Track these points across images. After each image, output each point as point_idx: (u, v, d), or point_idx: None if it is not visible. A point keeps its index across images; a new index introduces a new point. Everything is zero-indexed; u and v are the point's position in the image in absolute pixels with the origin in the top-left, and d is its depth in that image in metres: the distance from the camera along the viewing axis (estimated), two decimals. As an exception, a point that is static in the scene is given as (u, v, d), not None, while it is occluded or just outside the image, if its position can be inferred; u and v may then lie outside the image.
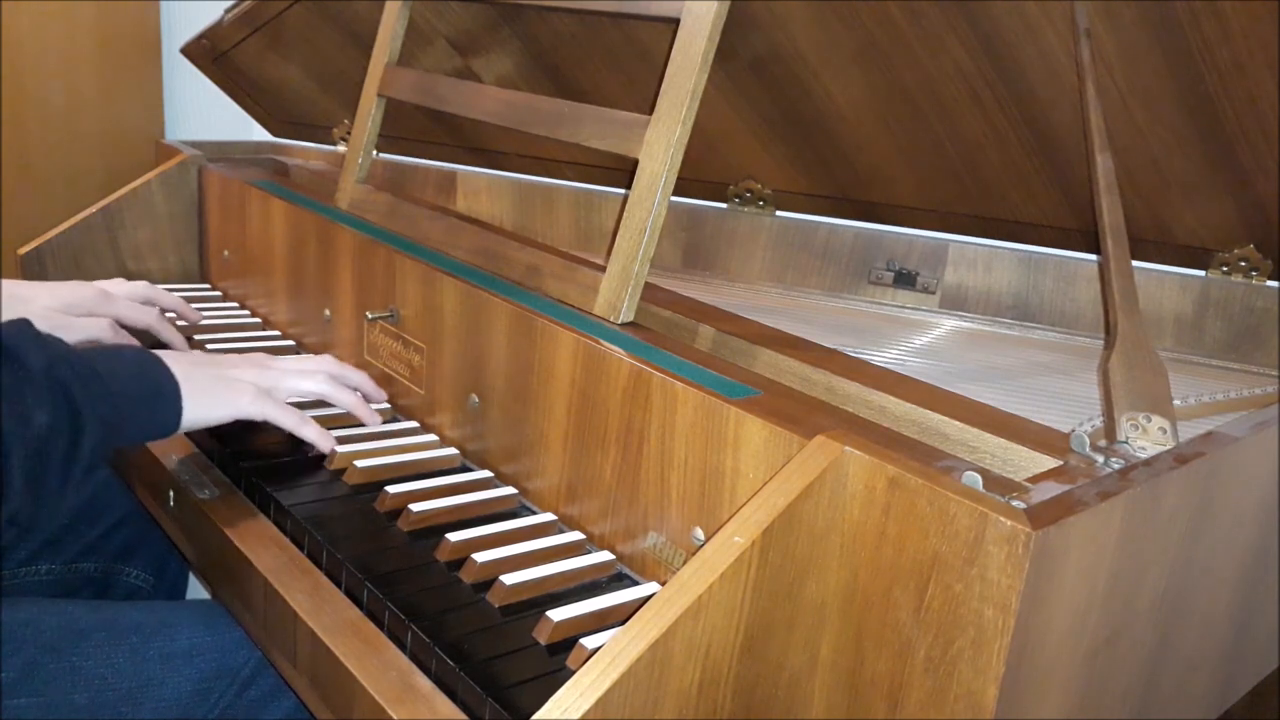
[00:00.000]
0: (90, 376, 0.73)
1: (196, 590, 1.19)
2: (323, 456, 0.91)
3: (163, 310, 1.10)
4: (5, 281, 1.02)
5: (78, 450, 0.71)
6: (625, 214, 0.87)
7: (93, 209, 1.35)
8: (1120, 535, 0.59)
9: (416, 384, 0.99)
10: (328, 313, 1.13)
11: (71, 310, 1.02)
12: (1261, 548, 0.78)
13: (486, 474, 0.90)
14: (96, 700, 0.82)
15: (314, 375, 0.91)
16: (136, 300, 1.07)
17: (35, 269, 1.32)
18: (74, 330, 1.00)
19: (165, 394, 0.80)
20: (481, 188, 1.48)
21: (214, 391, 0.83)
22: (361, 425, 0.95)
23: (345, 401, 0.93)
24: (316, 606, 0.73)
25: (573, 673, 0.52)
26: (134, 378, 0.78)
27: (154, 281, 1.39)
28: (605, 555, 0.78)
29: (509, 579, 0.72)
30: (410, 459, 0.91)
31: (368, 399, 0.96)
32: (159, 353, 0.82)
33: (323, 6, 1.38)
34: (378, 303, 1.03)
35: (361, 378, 0.97)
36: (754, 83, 1.15)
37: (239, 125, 1.83)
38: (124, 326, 1.06)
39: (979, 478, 0.58)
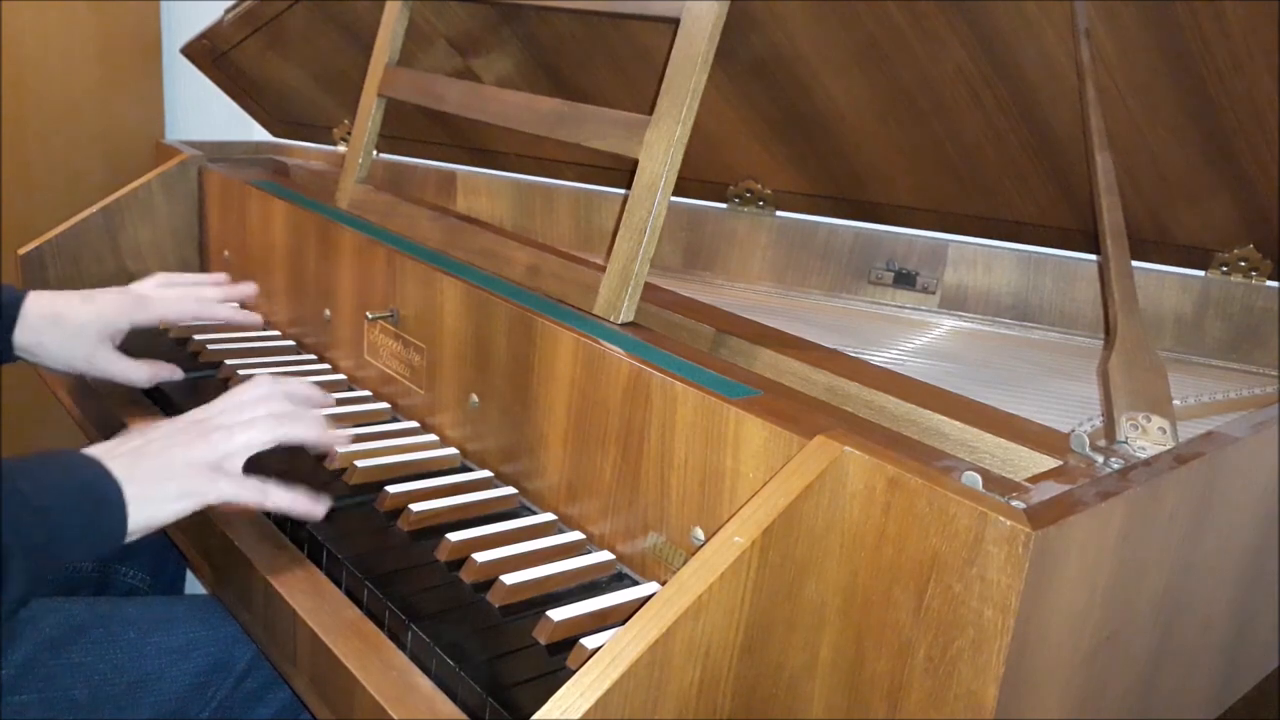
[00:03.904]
0: (13, 502, 0.63)
1: (193, 589, 1.19)
2: (323, 457, 0.90)
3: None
4: (48, 294, 0.98)
5: (1, 586, 0.61)
6: (625, 214, 0.87)
7: (93, 209, 1.35)
8: (1120, 535, 0.59)
9: (416, 384, 0.99)
10: (328, 313, 1.13)
11: (112, 325, 0.99)
12: (1261, 548, 0.78)
13: (486, 474, 0.90)
14: (96, 696, 0.82)
15: (260, 422, 0.77)
16: (160, 286, 1.05)
17: (35, 269, 1.32)
18: (115, 367, 0.99)
19: (105, 503, 0.68)
20: (481, 188, 1.48)
21: (163, 486, 0.70)
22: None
23: (303, 436, 0.79)
24: (316, 606, 0.73)
25: (573, 673, 0.52)
26: (65, 489, 0.67)
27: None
28: (605, 555, 0.78)
29: (509, 579, 0.72)
30: (410, 459, 0.91)
31: (316, 405, 0.84)
32: (94, 451, 0.71)
33: (323, 6, 1.38)
34: (378, 303, 1.03)
35: (305, 388, 0.83)
36: (754, 83, 1.15)
37: (239, 125, 1.83)
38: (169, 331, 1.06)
39: (979, 478, 0.58)
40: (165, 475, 0.71)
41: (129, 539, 0.69)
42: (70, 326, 0.98)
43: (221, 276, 1.11)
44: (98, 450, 0.71)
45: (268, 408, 0.78)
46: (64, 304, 0.99)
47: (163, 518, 0.71)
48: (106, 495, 0.68)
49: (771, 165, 1.26)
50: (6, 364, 0.99)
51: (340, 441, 0.84)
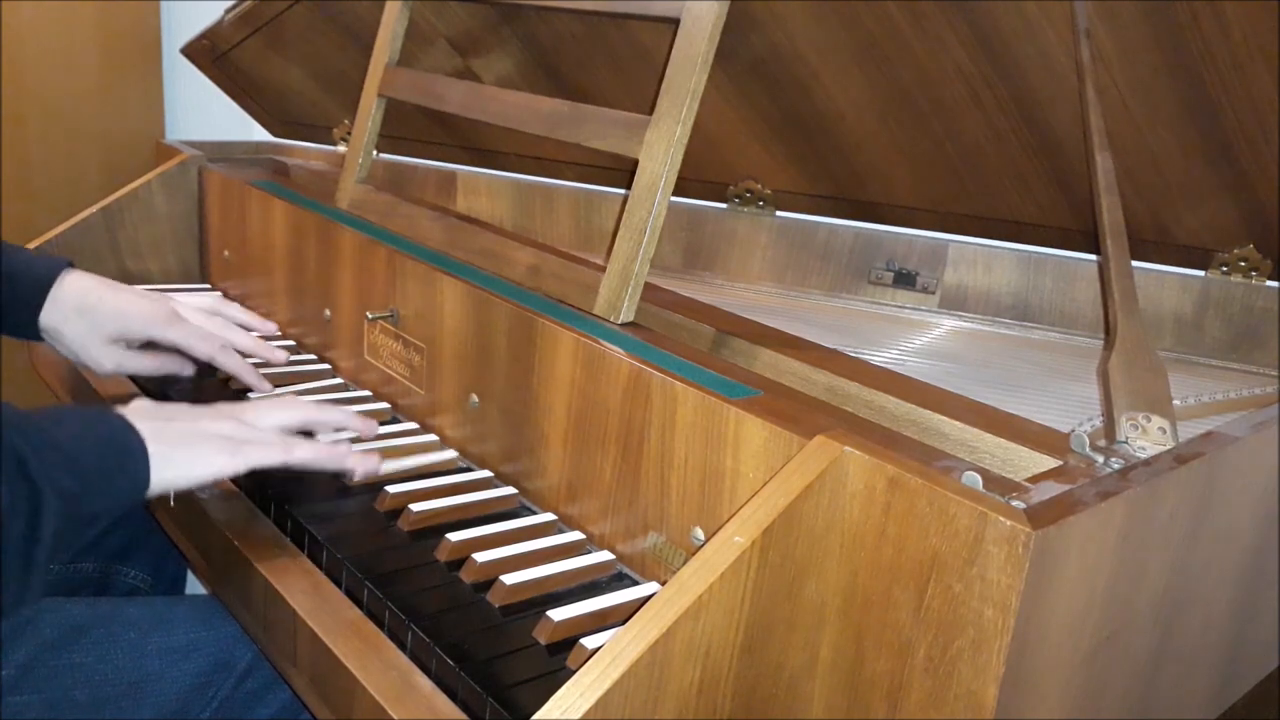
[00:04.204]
0: (47, 445, 0.66)
1: (194, 589, 1.19)
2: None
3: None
4: (85, 279, 0.96)
5: (38, 530, 0.64)
6: (625, 214, 0.87)
7: (93, 209, 1.35)
8: (1120, 535, 0.59)
9: (416, 384, 0.99)
10: (328, 313, 1.13)
11: (134, 333, 0.98)
12: (1261, 548, 0.78)
13: (486, 474, 0.90)
14: (96, 696, 0.82)
15: (290, 406, 0.84)
16: (203, 311, 1.03)
17: (35, 269, 1.32)
18: (129, 363, 0.98)
19: (130, 456, 0.71)
20: (481, 188, 1.48)
21: (187, 448, 0.74)
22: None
23: (334, 420, 0.86)
24: (317, 606, 0.73)
25: (573, 673, 0.52)
26: (95, 442, 0.70)
27: (154, 282, 1.39)
28: (605, 555, 0.78)
29: (509, 579, 0.72)
30: (410, 459, 0.91)
31: (356, 434, 0.90)
32: (125, 410, 0.74)
33: (323, 6, 1.38)
34: (378, 303, 1.03)
35: (345, 415, 0.88)
36: (754, 83, 1.15)
37: (239, 125, 1.83)
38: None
39: (979, 478, 0.58)
40: (191, 440, 0.74)
41: (150, 495, 0.72)
42: (93, 321, 0.96)
43: (271, 327, 1.11)
44: (126, 410, 0.74)
45: (305, 407, 0.85)
46: (94, 297, 0.97)
47: (187, 479, 0.74)
48: (131, 449, 0.71)
49: (771, 165, 1.26)
50: (34, 341, 0.97)
51: (372, 431, 0.90)
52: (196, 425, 0.76)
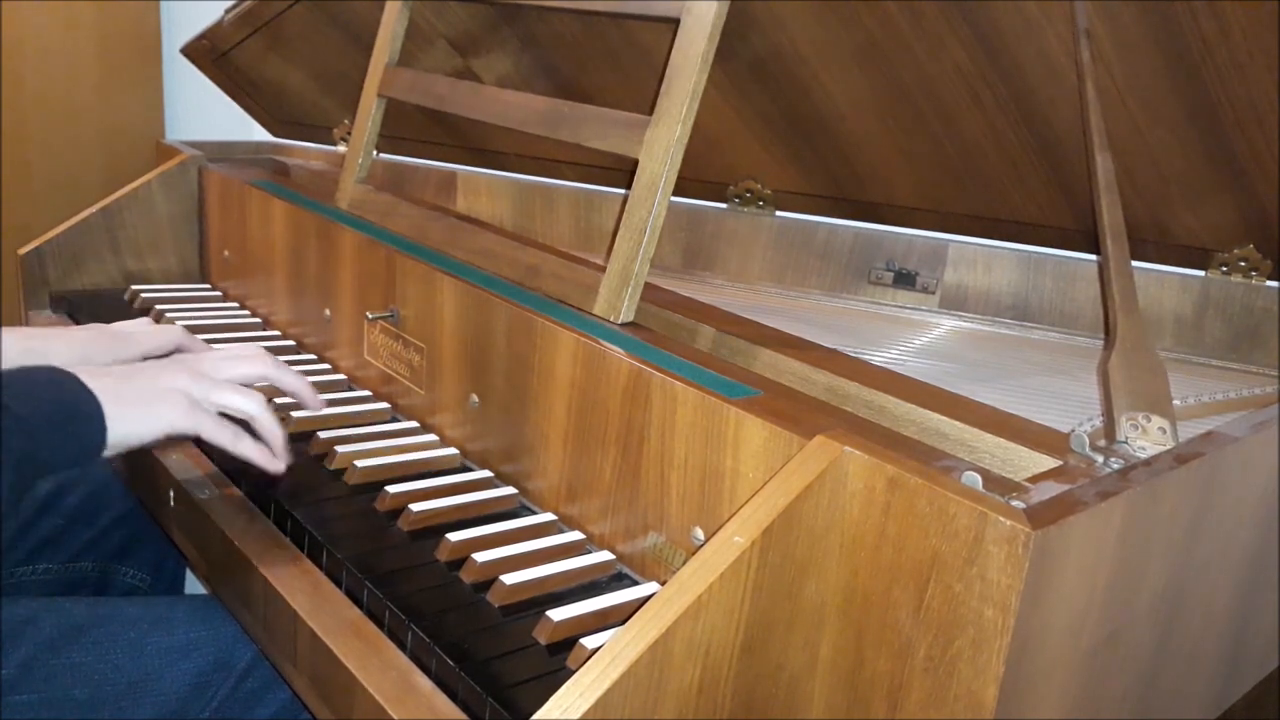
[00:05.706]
0: None
1: (193, 588, 1.19)
2: (323, 456, 0.91)
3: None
4: (22, 331, 0.90)
5: None
6: (625, 214, 0.87)
7: (93, 209, 1.35)
8: (1120, 535, 0.59)
9: (416, 384, 0.99)
10: (328, 313, 1.13)
11: (91, 360, 0.90)
12: (1261, 548, 0.78)
13: (486, 474, 0.90)
14: (96, 696, 0.82)
15: (250, 360, 0.83)
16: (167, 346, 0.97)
17: (35, 269, 1.32)
18: None
19: (86, 415, 0.71)
20: (481, 188, 1.48)
21: (141, 405, 0.74)
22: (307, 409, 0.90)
23: (289, 383, 0.86)
24: (316, 606, 0.73)
25: (573, 672, 0.52)
26: (48, 401, 0.70)
27: (153, 281, 1.39)
28: (605, 555, 0.78)
29: (509, 579, 0.72)
30: (410, 459, 0.91)
31: (304, 405, 0.90)
32: (76, 369, 0.74)
33: (323, 6, 1.38)
34: (378, 303, 1.03)
35: (299, 381, 0.88)
36: (754, 83, 1.15)
37: (239, 125, 1.83)
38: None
39: (978, 477, 0.58)
40: (147, 396, 0.75)
41: (108, 453, 0.73)
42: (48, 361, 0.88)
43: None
44: (81, 369, 0.74)
45: (263, 357, 0.84)
46: (42, 340, 0.90)
47: (139, 435, 0.74)
48: (86, 409, 0.71)
49: (771, 165, 1.26)
50: None
51: (319, 406, 0.90)
52: (154, 382, 0.76)
